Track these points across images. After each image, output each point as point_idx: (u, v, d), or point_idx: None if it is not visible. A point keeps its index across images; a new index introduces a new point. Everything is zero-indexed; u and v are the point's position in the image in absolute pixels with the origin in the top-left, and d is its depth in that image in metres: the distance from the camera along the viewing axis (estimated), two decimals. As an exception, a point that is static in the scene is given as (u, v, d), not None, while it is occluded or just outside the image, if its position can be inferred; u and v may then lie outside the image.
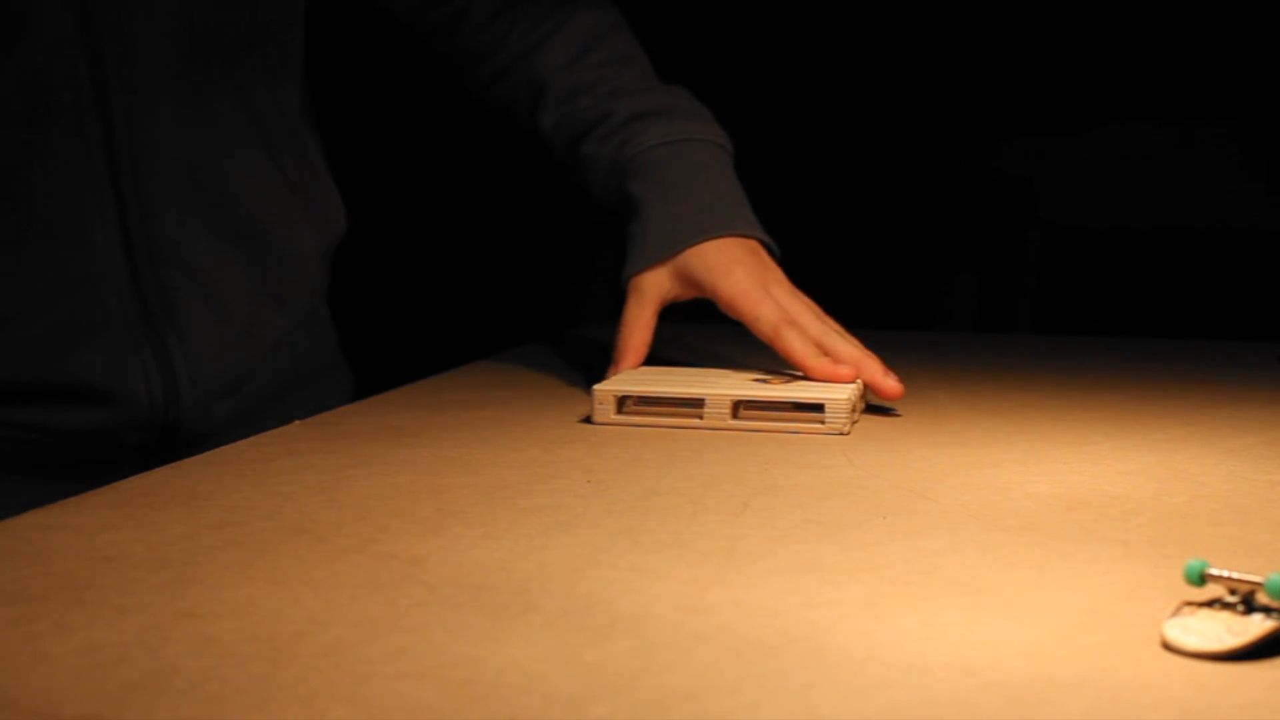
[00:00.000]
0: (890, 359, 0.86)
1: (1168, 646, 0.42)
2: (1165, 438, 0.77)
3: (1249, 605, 0.43)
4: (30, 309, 0.83)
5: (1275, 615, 0.42)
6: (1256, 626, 0.42)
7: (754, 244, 0.92)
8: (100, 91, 0.81)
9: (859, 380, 0.84)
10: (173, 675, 0.39)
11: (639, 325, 0.90)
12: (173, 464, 0.68)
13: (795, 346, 0.85)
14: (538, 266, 2.09)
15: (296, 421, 0.80)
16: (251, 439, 0.75)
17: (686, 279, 0.91)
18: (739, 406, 0.79)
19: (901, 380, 0.84)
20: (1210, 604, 0.44)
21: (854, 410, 0.81)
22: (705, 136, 0.98)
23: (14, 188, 0.82)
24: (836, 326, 0.89)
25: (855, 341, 0.87)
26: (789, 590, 0.48)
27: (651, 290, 0.91)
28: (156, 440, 0.88)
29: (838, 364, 0.84)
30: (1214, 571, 0.45)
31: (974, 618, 0.45)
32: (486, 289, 2.07)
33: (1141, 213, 1.68)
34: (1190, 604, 0.44)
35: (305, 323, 1.00)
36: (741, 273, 0.88)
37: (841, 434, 0.77)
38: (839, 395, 0.78)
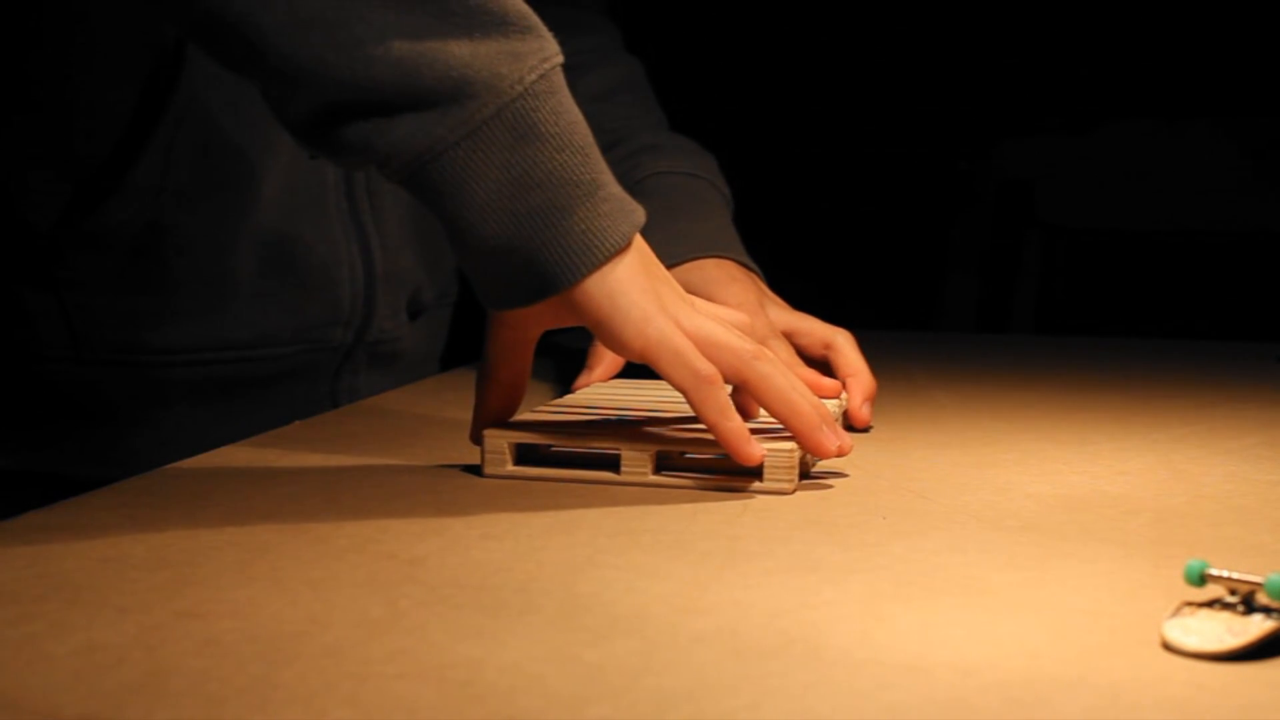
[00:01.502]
0: (890, 359, 0.86)
1: (1168, 646, 0.42)
2: (1165, 438, 0.77)
3: (1249, 605, 0.43)
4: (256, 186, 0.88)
5: (1275, 615, 0.42)
6: (1256, 627, 0.42)
7: (752, 274, 0.92)
8: None
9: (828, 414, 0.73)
10: (173, 675, 0.39)
11: None
12: (172, 464, 0.68)
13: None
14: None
15: (296, 422, 0.80)
16: (251, 439, 0.75)
17: (685, 289, 0.90)
18: (661, 460, 0.65)
19: (910, 386, 0.84)
20: (1210, 604, 0.44)
21: (808, 459, 0.67)
22: (712, 180, 1.01)
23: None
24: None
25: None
26: (789, 590, 0.48)
27: None
28: (351, 340, 0.96)
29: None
30: (1214, 572, 0.45)
31: (974, 618, 0.45)
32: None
33: (1141, 213, 1.68)
34: (1190, 604, 0.44)
35: (444, 304, 1.10)
36: (738, 289, 0.88)
37: (785, 494, 0.64)
38: (782, 446, 0.64)
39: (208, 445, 0.72)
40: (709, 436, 0.64)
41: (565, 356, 1.05)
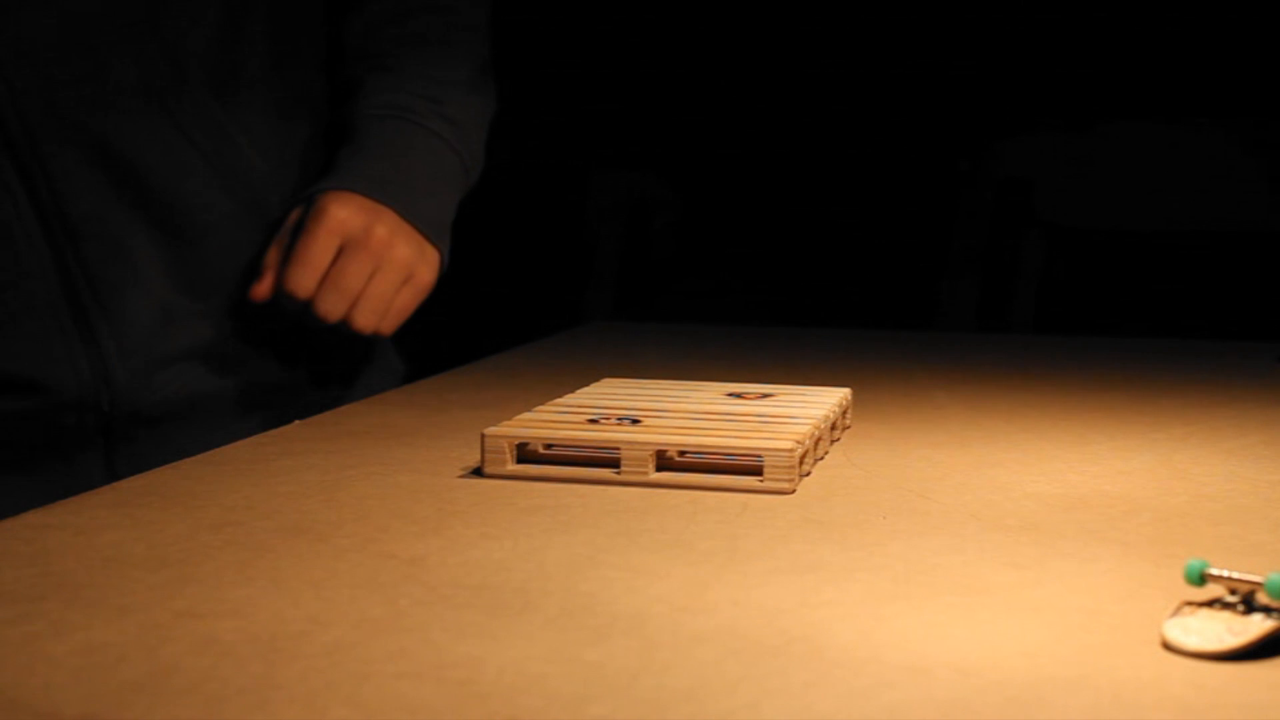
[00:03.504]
0: (890, 359, 0.86)
1: (1168, 646, 0.42)
2: (1165, 438, 0.77)
3: (1249, 605, 0.43)
4: None
5: (1275, 615, 0.42)
6: (1256, 626, 0.42)
7: (362, 205, 0.92)
8: None
9: (828, 414, 0.72)
10: (173, 675, 0.39)
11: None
12: (172, 464, 0.68)
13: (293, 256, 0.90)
14: (537, 266, 2.09)
15: (296, 421, 0.80)
16: (251, 439, 0.75)
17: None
18: (661, 460, 0.66)
19: (910, 386, 0.84)
20: (1210, 604, 0.44)
21: (808, 459, 0.67)
22: (452, 144, 0.99)
23: None
24: (389, 305, 0.92)
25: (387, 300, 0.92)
26: (789, 590, 0.48)
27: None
28: (98, 421, 0.87)
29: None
30: (1214, 571, 0.45)
31: (974, 618, 0.45)
32: (486, 289, 2.07)
33: (1142, 213, 1.68)
34: (1190, 604, 0.44)
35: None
36: (355, 207, 0.91)
37: (786, 493, 0.63)
38: (782, 445, 0.64)
39: None
40: (709, 437, 0.65)
41: (591, 350, 1.05)
